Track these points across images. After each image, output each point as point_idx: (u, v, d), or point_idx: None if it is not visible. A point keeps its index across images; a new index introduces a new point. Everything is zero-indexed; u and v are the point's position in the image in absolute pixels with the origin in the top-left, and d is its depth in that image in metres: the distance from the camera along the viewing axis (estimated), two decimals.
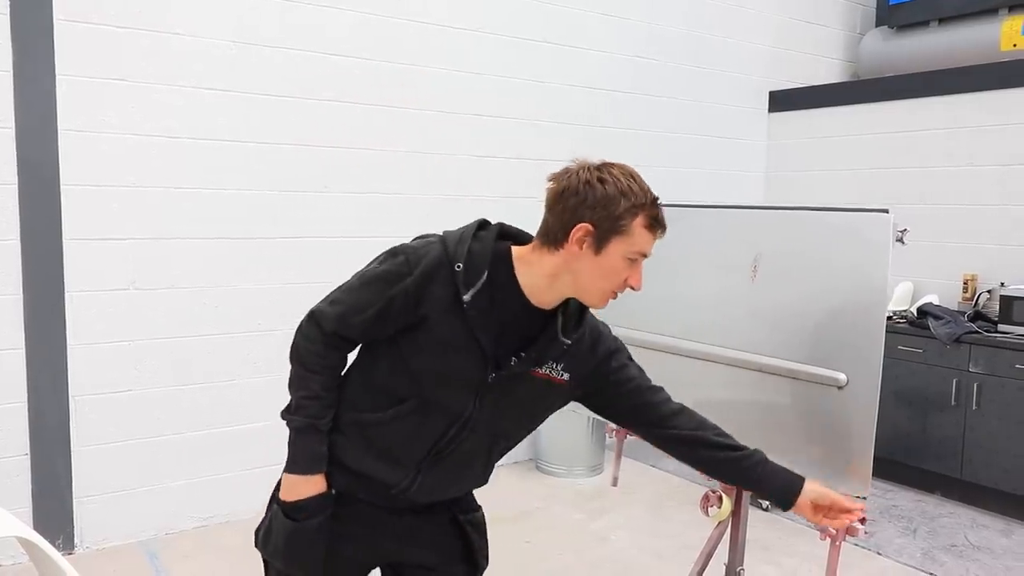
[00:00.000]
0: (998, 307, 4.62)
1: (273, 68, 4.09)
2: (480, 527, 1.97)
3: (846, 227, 1.88)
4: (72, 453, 3.75)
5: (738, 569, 2.53)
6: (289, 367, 1.78)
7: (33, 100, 3.54)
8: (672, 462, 4.98)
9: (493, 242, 1.71)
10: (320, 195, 4.24)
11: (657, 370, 2.32)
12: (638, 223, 1.63)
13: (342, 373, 1.80)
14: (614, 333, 1.91)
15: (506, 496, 4.50)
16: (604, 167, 1.66)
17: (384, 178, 4.42)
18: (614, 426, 2.78)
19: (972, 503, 4.60)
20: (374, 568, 1.95)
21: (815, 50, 6.36)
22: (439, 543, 1.91)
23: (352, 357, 1.83)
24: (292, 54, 4.12)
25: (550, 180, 1.71)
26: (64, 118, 3.61)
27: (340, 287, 1.76)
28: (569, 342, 1.74)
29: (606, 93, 5.28)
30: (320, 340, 1.73)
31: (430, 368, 1.70)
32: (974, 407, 4.50)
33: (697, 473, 2.02)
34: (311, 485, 1.75)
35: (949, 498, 4.70)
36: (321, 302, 1.76)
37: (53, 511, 3.72)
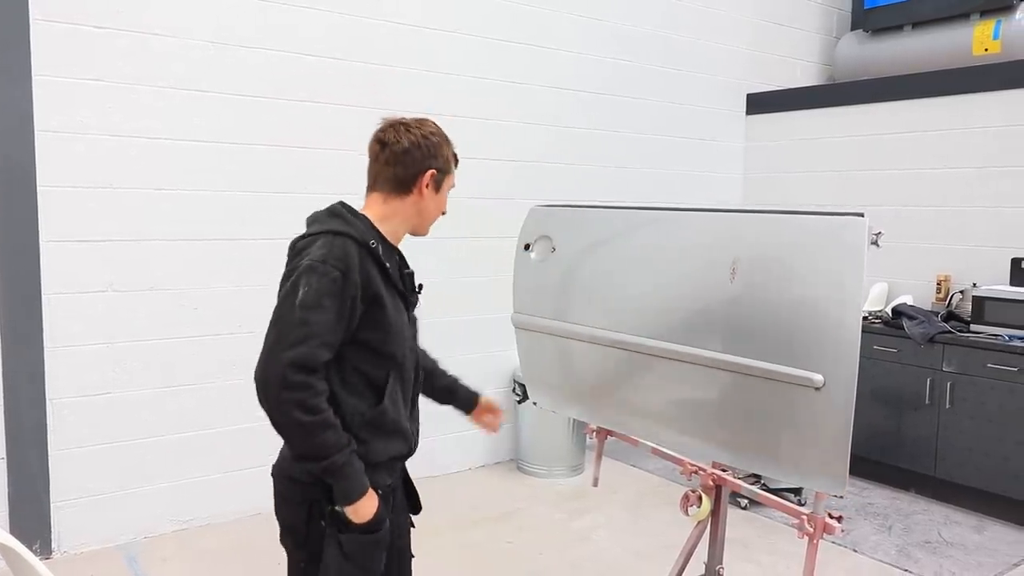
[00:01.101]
0: (971, 307, 4.69)
1: (252, 69, 4.07)
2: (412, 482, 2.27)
3: (823, 230, 1.91)
4: (49, 456, 3.72)
5: (718, 567, 2.56)
6: (283, 431, 1.81)
7: (9, 100, 3.51)
8: (652, 462, 5.03)
9: (359, 214, 2.01)
10: (300, 196, 4.22)
11: (635, 370, 2.36)
12: (453, 168, 2.09)
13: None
14: (593, 332, 2.44)
15: (487, 497, 4.52)
16: (424, 122, 2.05)
17: (363, 179, 4.40)
18: (594, 427, 2.81)
19: (945, 500, 4.67)
20: None
21: (791, 53, 6.43)
22: (403, 506, 2.19)
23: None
24: (270, 55, 4.11)
25: (382, 140, 2.02)
26: (41, 119, 3.58)
27: (287, 328, 1.77)
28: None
29: (583, 95, 5.31)
30: (313, 379, 1.78)
31: (391, 336, 1.93)
32: (947, 406, 4.58)
33: (677, 473, 2.09)
34: (372, 499, 1.90)
35: (923, 495, 4.77)
36: (284, 353, 1.74)
37: (30, 515, 3.69)
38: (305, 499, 1.92)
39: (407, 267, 2.09)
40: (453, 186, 2.10)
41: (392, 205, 2.01)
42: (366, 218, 1.99)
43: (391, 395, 1.95)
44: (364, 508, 1.87)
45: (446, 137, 2.08)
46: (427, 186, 2.01)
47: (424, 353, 2.27)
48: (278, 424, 1.79)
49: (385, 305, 1.90)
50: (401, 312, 1.99)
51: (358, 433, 1.90)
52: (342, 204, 2.00)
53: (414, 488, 2.22)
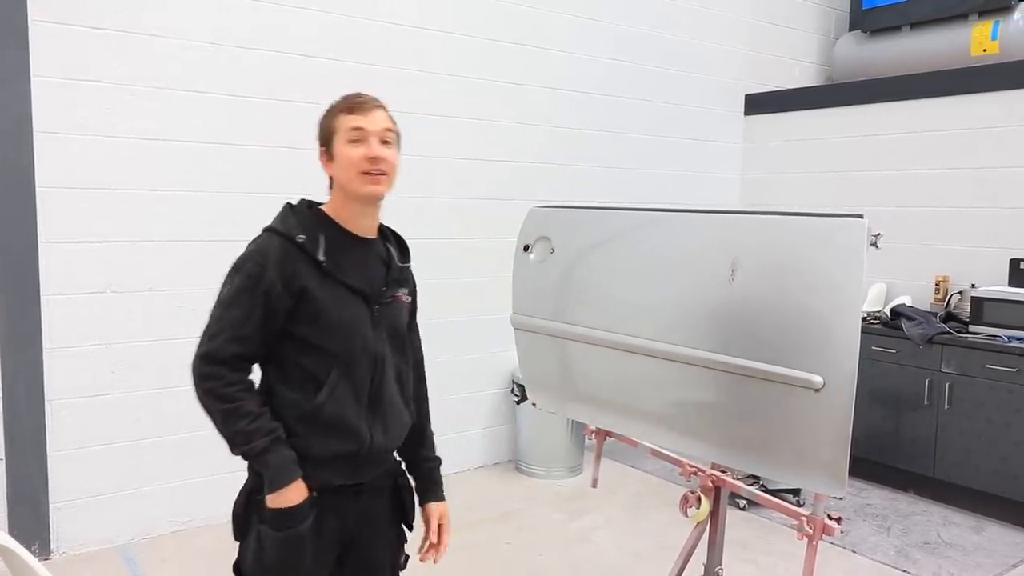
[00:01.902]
0: (969, 308, 4.70)
1: (247, 70, 4.07)
2: (409, 488, 2.16)
3: (822, 232, 1.90)
4: (48, 458, 3.71)
5: (717, 568, 2.56)
6: (210, 419, 1.85)
7: (7, 101, 3.50)
8: (650, 463, 5.03)
9: (307, 209, 1.96)
10: (296, 196, 4.17)
11: (634, 372, 2.35)
12: (339, 118, 1.91)
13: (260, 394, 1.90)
14: (592, 334, 2.39)
15: (486, 497, 4.52)
16: None
17: None
18: (593, 428, 2.81)
19: (944, 501, 4.68)
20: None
21: (789, 53, 6.43)
22: (385, 510, 2.09)
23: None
24: (265, 55, 4.11)
25: None
26: (39, 120, 3.58)
27: (208, 325, 1.87)
28: (407, 265, 2.09)
29: (578, 95, 5.30)
30: (223, 370, 1.83)
31: (332, 330, 1.88)
32: (946, 406, 4.58)
33: (676, 474, 2.08)
34: (297, 491, 1.84)
35: (922, 496, 4.78)
36: (200, 348, 1.85)
37: (28, 516, 3.68)
38: (246, 487, 1.96)
39: (400, 260, 2.04)
40: (357, 132, 1.88)
41: (333, 195, 1.97)
42: (317, 212, 1.96)
43: (333, 391, 1.88)
44: (284, 498, 1.83)
45: (330, 106, 1.97)
46: (325, 163, 1.95)
47: (421, 414, 2.18)
48: (206, 413, 1.86)
49: (316, 299, 1.85)
50: (350, 307, 1.90)
51: (293, 426, 1.87)
52: (302, 201, 1.99)
53: (404, 500, 2.12)
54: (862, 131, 5.61)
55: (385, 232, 2.08)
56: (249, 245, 1.91)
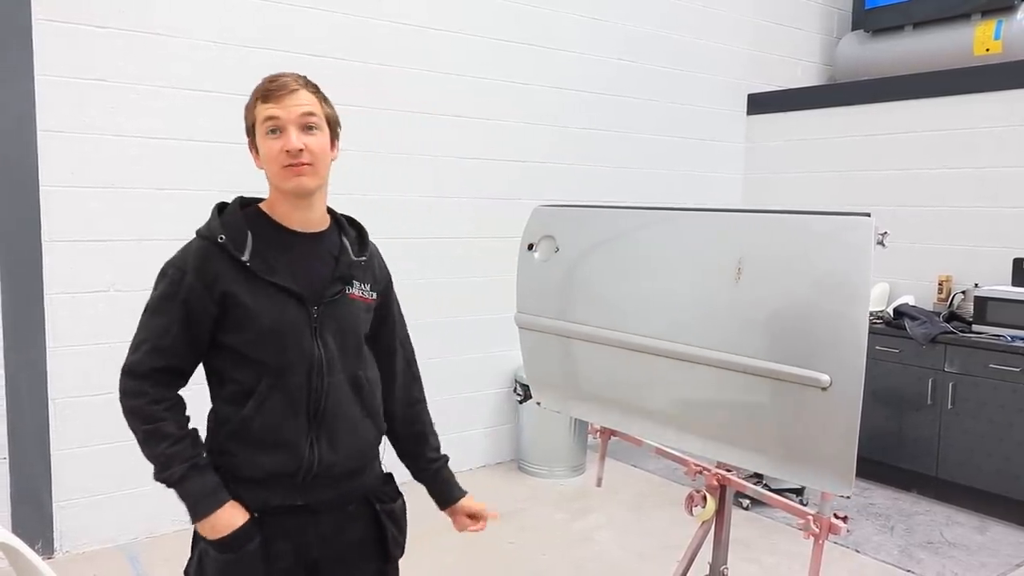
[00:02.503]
0: (972, 308, 4.70)
1: (254, 69, 4.04)
2: (397, 517, 1.97)
3: (829, 231, 1.90)
4: (51, 456, 3.71)
5: (722, 568, 2.56)
6: (134, 436, 1.75)
7: (11, 100, 3.50)
8: (652, 462, 5.03)
9: (240, 208, 1.81)
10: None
11: (639, 371, 2.35)
12: (257, 108, 1.76)
13: (186, 410, 1.79)
14: (597, 332, 2.30)
15: (488, 497, 4.47)
16: None
17: (363, 180, 4.41)
18: (598, 427, 2.81)
19: (947, 501, 4.67)
20: None
21: (792, 53, 6.43)
22: (363, 539, 1.89)
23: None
24: (273, 55, 4.10)
25: None
26: (43, 118, 3.58)
27: (135, 334, 1.77)
28: (364, 259, 1.87)
29: (584, 94, 5.31)
30: (146, 385, 1.72)
31: (261, 337, 1.72)
32: (949, 406, 4.58)
33: (678, 473, 2.07)
34: (228, 515, 1.72)
35: (925, 496, 4.77)
36: (125, 360, 1.75)
37: (32, 515, 3.68)
38: None
39: (356, 253, 1.86)
40: (272, 122, 1.73)
41: (269, 182, 1.81)
42: (251, 210, 1.81)
43: (262, 404, 1.72)
44: (213, 526, 1.71)
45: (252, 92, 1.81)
46: (252, 140, 1.80)
47: (417, 419, 2.08)
48: (131, 431, 1.76)
49: (243, 304, 1.70)
50: (282, 310, 1.73)
51: (224, 444, 1.75)
52: (237, 199, 1.84)
53: (386, 531, 1.91)
54: (864, 131, 5.61)
55: (341, 222, 1.91)
56: (179, 249, 1.80)
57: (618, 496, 4.66)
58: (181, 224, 3.89)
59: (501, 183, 4.97)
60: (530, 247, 2.66)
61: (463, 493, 2.12)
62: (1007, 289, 4.61)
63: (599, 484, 2.93)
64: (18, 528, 3.56)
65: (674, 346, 2.20)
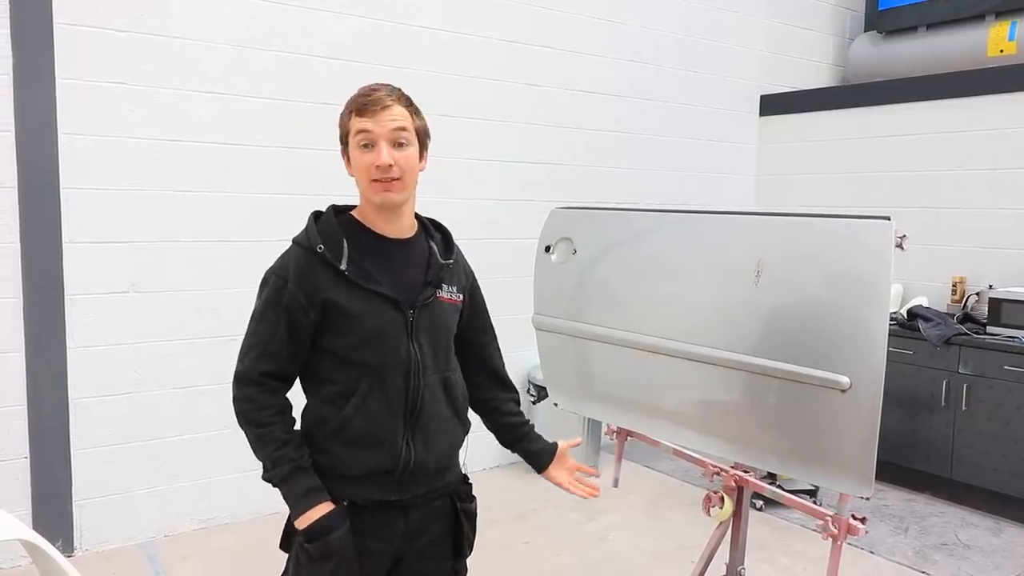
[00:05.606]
0: (987, 309, 4.69)
1: (273, 72, 4.10)
2: (472, 516, 2.06)
3: (849, 233, 1.91)
4: (72, 456, 3.76)
5: (739, 568, 2.57)
6: (245, 438, 1.86)
7: (33, 104, 3.54)
8: (666, 463, 5.04)
9: (334, 217, 1.89)
10: (323, 198, 4.20)
11: (657, 372, 2.37)
12: (351, 120, 1.81)
13: (293, 413, 1.88)
14: (614, 334, 2.38)
15: (504, 497, 4.53)
16: None
17: None
18: (614, 427, 2.82)
19: (961, 502, 4.67)
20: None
21: (805, 55, 6.43)
22: (442, 535, 1.98)
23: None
24: (293, 58, 4.14)
25: None
26: (64, 121, 3.62)
27: (243, 340, 1.87)
28: (450, 261, 1.96)
29: (599, 96, 5.33)
30: (255, 392, 1.83)
31: (365, 341, 1.80)
32: (963, 408, 4.57)
33: (692, 474, 2.09)
34: (320, 510, 1.80)
35: (939, 497, 4.77)
36: (236, 367, 1.86)
37: (52, 514, 3.73)
38: None
39: (443, 257, 1.94)
40: (365, 136, 1.79)
41: (360, 191, 1.87)
42: (345, 218, 1.89)
43: (363, 403, 1.81)
44: (308, 520, 1.79)
45: (347, 102, 1.85)
46: (344, 148, 1.86)
47: (512, 388, 2.20)
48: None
49: (344, 310, 1.78)
50: (381, 314, 1.81)
51: (323, 444, 1.83)
52: (330, 207, 1.92)
53: (462, 531, 2.00)
54: (877, 132, 5.61)
55: (427, 227, 1.99)
56: (279, 257, 1.89)
57: (632, 497, 4.67)
58: (200, 226, 3.98)
59: (516, 185, 4.99)
60: (547, 249, 2.67)
61: (554, 448, 2.21)
62: (1022, 291, 4.60)
63: (615, 484, 2.94)
64: (39, 527, 3.60)
65: (693, 348, 2.21)
